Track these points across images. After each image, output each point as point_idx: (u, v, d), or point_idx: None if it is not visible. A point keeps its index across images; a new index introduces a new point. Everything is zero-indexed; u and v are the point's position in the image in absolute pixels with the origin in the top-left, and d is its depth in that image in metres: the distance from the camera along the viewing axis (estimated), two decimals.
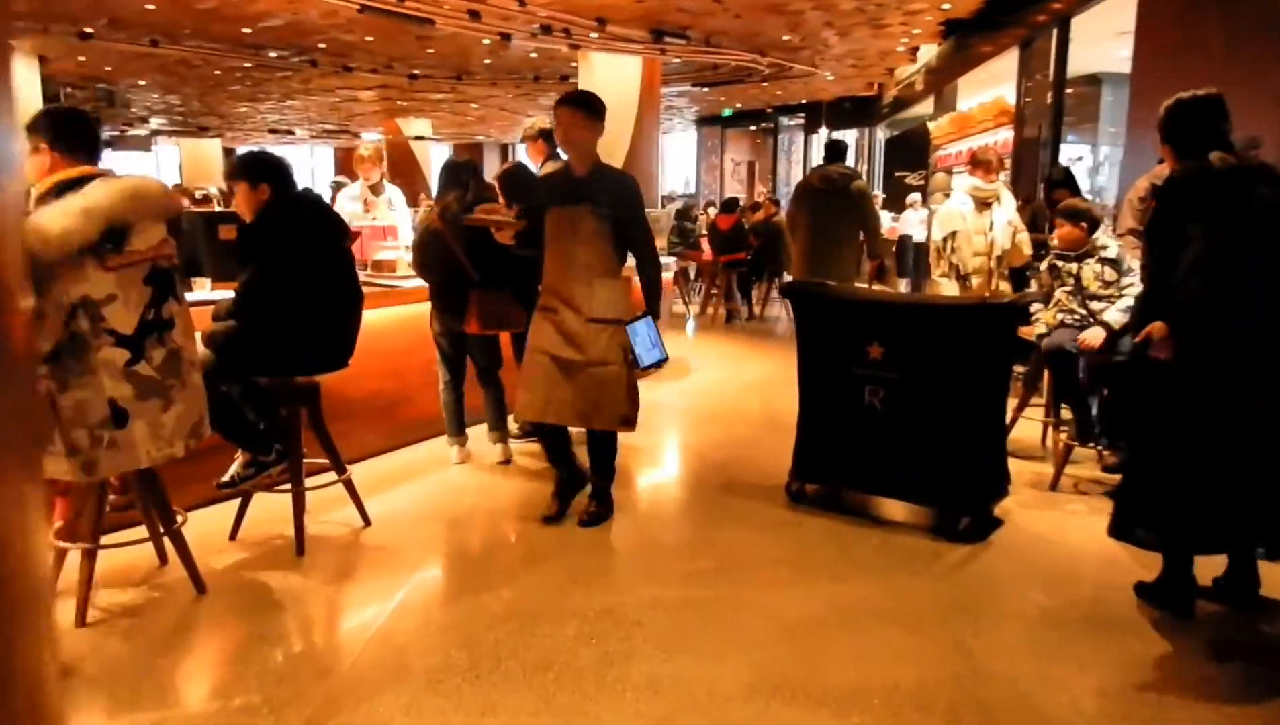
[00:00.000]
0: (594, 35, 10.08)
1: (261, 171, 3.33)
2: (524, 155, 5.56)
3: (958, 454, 3.69)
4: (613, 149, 10.88)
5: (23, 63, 12.87)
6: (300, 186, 3.51)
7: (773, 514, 4.02)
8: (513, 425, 4.88)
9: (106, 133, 19.49)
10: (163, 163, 25.45)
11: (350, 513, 3.80)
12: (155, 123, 21.04)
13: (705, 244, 11.99)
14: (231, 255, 3.73)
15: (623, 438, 3.88)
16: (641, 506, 4.26)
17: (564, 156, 5.82)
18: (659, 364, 3.68)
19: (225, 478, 3.53)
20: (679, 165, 23.29)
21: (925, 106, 13.46)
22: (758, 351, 8.64)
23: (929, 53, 12.16)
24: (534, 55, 12.71)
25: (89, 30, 11.12)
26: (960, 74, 11.53)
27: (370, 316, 4.76)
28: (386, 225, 5.45)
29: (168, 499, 3.11)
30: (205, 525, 3.63)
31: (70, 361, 2.66)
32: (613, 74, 10.73)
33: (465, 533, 3.94)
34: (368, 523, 3.80)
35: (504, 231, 3.77)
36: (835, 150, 6.14)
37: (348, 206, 5.49)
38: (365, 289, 4.79)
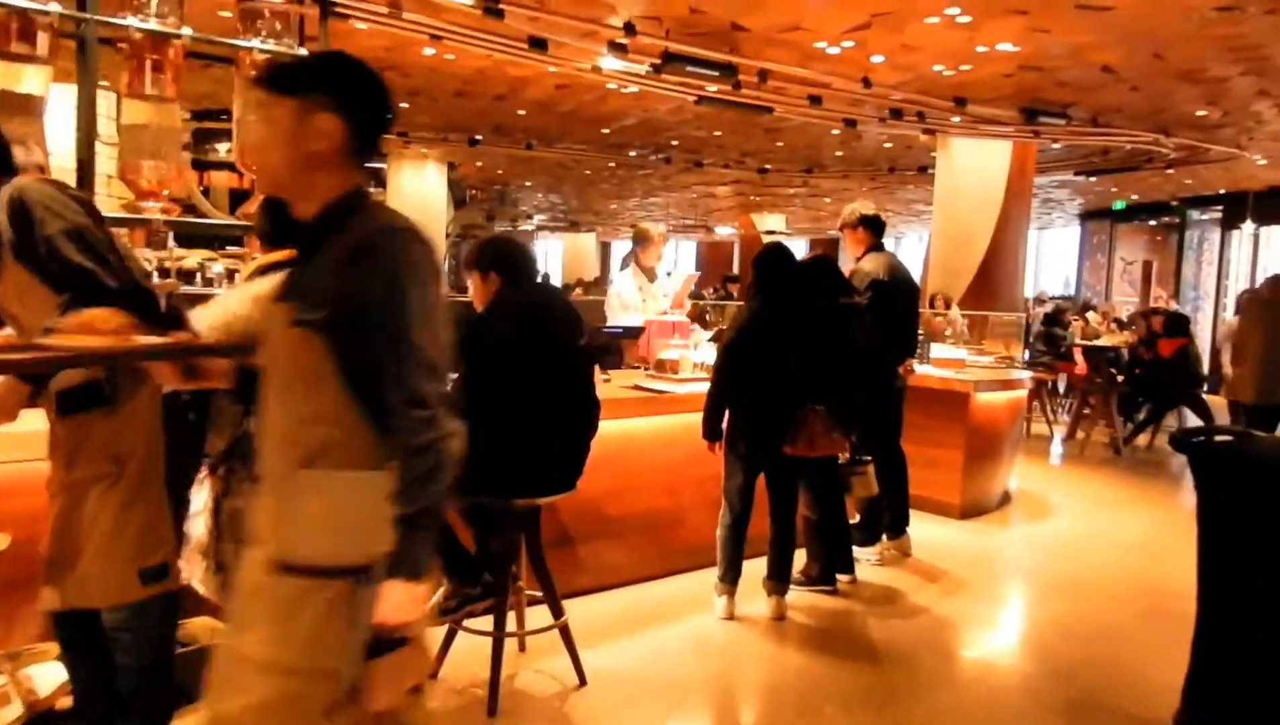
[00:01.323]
0: (954, 119, 9.01)
1: (491, 260, 2.90)
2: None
3: None
4: (972, 245, 9.60)
5: (435, 168, 14.91)
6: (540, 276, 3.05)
7: None
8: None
9: (497, 227, 22.00)
10: (549, 255, 28.40)
11: (567, 664, 3.16)
12: (538, 219, 23.40)
13: (1078, 354, 10.19)
14: None
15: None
16: (937, 717, 3.11)
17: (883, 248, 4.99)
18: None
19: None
20: (1057, 263, 20.79)
21: None
22: (1143, 497, 6.77)
23: None
24: (888, 145, 11.87)
25: (478, 137, 12.42)
26: None
27: (642, 424, 4.23)
28: (677, 321, 4.90)
29: None
30: None
31: (238, 464, 2.35)
32: (976, 163, 9.48)
33: (698, 721, 3.10)
34: (583, 682, 3.13)
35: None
36: None
37: (625, 295, 5.05)
38: (637, 393, 4.30)
